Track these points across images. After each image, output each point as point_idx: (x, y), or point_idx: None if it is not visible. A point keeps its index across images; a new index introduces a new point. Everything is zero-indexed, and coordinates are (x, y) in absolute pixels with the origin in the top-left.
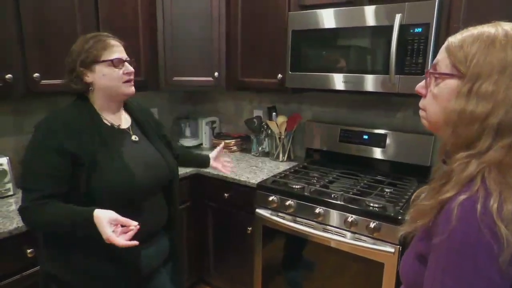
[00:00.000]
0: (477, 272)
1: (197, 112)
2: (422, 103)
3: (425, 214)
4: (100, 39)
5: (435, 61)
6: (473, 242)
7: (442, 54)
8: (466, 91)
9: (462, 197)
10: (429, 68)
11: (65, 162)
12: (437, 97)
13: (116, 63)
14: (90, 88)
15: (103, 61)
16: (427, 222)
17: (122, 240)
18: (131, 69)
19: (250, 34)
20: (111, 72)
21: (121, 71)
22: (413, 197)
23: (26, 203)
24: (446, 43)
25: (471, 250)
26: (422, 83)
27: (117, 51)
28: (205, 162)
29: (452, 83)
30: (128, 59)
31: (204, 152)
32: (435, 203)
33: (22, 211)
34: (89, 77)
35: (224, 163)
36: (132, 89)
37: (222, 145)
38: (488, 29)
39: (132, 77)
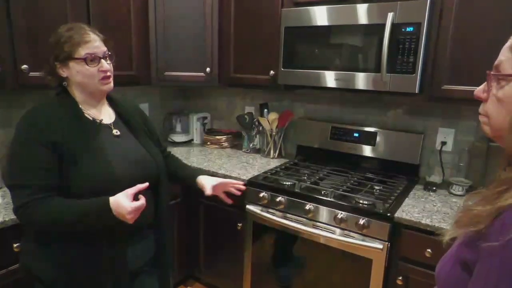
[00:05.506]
0: None
1: (188, 107)
2: (482, 108)
3: (479, 220)
4: (76, 32)
5: (497, 62)
6: None
7: (505, 54)
8: None
9: None
10: (491, 70)
11: (51, 154)
12: (503, 101)
13: (89, 61)
14: (64, 83)
15: (76, 58)
16: (481, 229)
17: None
18: (106, 66)
19: (243, 30)
20: (84, 70)
21: (95, 69)
22: (463, 202)
23: (22, 200)
24: (509, 43)
25: None
26: (482, 86)
27: (92, 46)
28: (192, 177)
29: None
30: (106, 54)
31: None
32: (493, 209)
33: (19, 209)
34: (64, 72)
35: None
36: (110, 85)
37: (231, 181)
38: None
39: (108, 74)
